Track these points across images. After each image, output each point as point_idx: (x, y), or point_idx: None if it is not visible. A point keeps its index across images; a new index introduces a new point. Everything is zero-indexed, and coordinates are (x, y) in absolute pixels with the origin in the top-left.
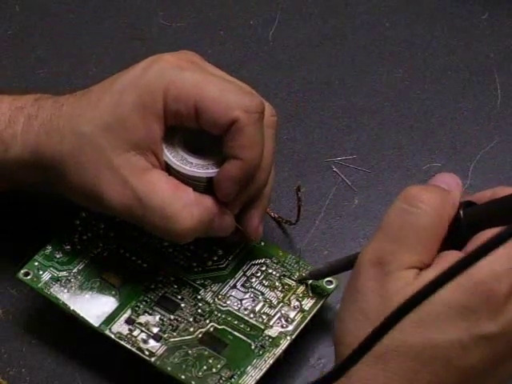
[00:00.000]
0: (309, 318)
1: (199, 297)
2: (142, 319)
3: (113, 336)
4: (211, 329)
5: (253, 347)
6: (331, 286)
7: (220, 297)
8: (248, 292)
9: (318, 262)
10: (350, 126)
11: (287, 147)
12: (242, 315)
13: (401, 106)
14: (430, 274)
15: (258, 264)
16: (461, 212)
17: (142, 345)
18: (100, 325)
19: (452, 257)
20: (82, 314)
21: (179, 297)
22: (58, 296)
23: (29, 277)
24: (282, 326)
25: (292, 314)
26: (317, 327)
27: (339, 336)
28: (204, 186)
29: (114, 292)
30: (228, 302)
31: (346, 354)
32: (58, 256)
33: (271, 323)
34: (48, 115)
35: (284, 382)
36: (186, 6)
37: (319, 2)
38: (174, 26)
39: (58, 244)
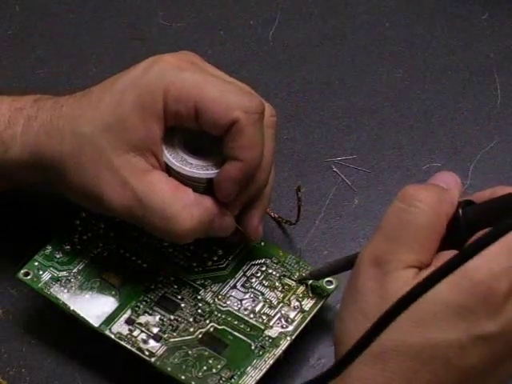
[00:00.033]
0: (309, 319)
1: (199, 297)
2: (142, 319)
3: (113, 336)
4: (211, 329)
5: (253, 347)
6: (331, 286)
7: (220, 297)
8: (248, 292)
9: (318, 262)
10: (350, 125)
11: (287, 147)
12: (242, 315)
13: (401, 106)
14: None
15: (258, 264)
16: (460, 211)
17: (142, 345)
18: (100, 325)
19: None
20: (82, 314)
21: (179, 297)
22: (58, 296)
23: (29, 277)
24: (282, 327)
25: (292, 315)
26: (317, 327)
27: (339, 336)
28: (204, 187)
29: (113, 292)
30: (228, 303)
31: None
32: (57, 256)
33: (271, 323)
34: (48, 116)
35: (284, 382)
36: (186, 6)
37: (319, 2)
38: (173, 25)
39: (57, 244)
